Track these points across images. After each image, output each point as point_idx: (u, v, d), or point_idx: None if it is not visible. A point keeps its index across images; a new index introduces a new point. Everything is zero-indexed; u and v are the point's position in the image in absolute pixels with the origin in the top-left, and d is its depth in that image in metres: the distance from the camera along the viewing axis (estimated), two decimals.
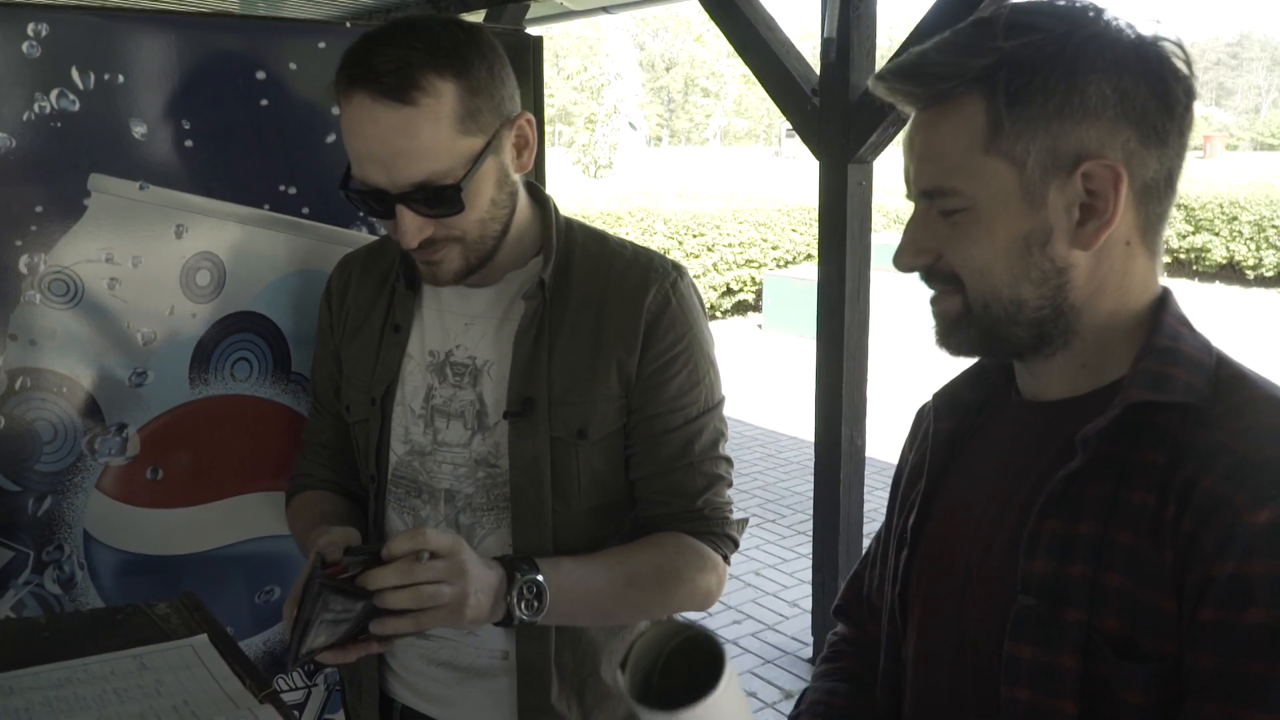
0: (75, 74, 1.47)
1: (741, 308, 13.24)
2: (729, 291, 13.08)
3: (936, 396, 1.05)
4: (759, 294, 12.84)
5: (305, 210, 1.65)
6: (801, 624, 4.46)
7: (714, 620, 4.54)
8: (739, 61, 4.07)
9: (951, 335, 0.91)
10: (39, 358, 1.51)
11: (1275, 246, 15.27)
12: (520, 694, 1.34)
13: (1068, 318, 0.87)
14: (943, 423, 1.03)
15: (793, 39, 3.98)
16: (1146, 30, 0.84)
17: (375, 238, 1.63)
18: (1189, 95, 0.84)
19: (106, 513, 1.59)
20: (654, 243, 12.41)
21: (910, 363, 8.48)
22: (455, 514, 1.32)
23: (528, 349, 1.28)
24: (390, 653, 1.40)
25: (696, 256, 12.75)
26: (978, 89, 0.83)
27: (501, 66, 1.20)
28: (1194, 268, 16.08)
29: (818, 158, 3.83)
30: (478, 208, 1.20)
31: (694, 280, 1.36)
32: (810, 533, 4.24)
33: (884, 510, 1.16)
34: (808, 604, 4.38)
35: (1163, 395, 0.82)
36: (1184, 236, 16.09)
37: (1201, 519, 0.76)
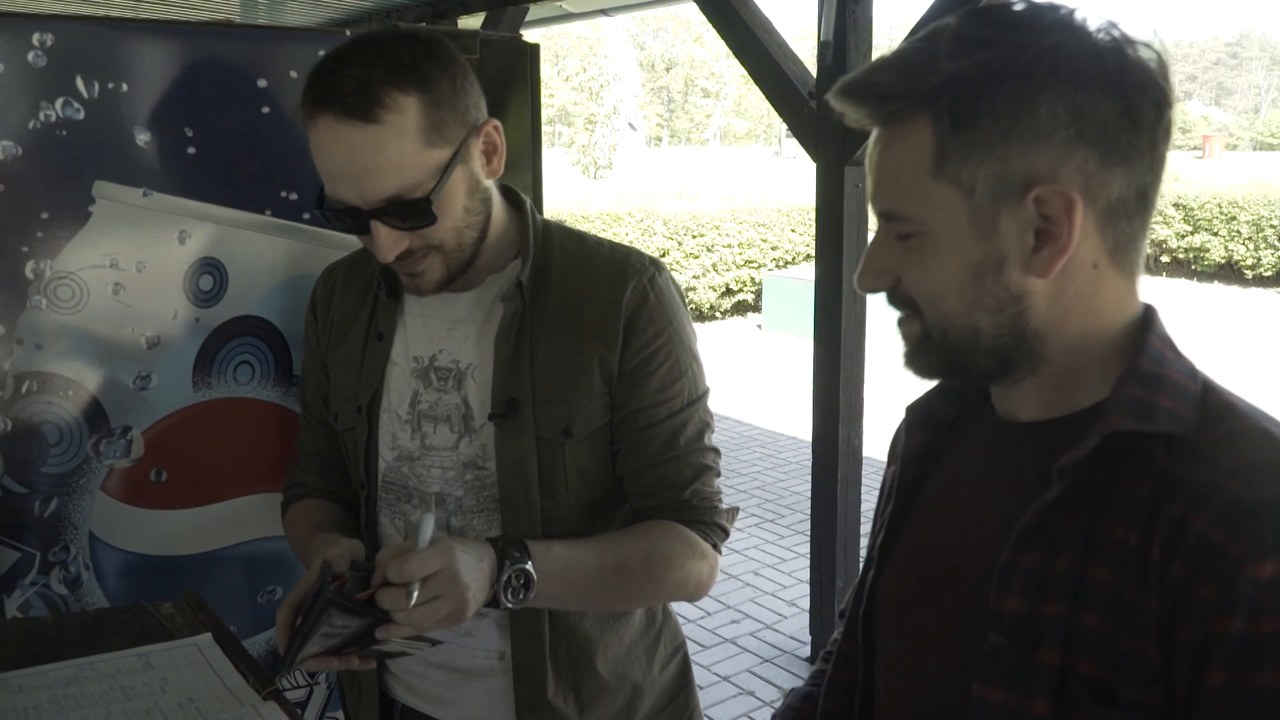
0: (80, 83, 1.49)
1: (741, 308, 13.26)
2: (728, 292, 13.10)
3: (909, 411, 1.02)
4: (758, 294, 12.87)
5: (306, 216, 1.67)
6: (800, 623, 4.49)
7: (713, 619, 4.57)
8: (739, 62, 4.10)
9: (915, 359, 0.88)
10: (45, 361, 1.53)
11: (1274, 246, 15.29)
12: (517, 692, 1.36)
13: (1031, 344, 0.83)
14: (915, 438, 0.99)
15: (791, 39, 4.01)
16: (1115, 35, 0.78)
17: None
18: (1160, 107, 0.78)
19: (111, 514, 1.61)
20: (653, 243, 12.44)
21: None
22: (446, 517, 1.34)
23: (509, 351, 1.30)
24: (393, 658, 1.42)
25: (696, 257, 12.78)
26: (925, 110, 0.79)
27: (463, 76, 1.21)
28: (1192, 268, 16.09)
29: (815, 160, 3.86)
30: (451, 217, 1.21)
31: (672, 275, 1.38)
32: (809, 533, 4.26)
33: None
34: (806, 603, 4.40)
35: (1147, 425, 0.77)
36: (1182, 236, 16.11)
37: (1195, 566, 0.71)
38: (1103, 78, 0.76)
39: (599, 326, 1.29)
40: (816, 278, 3.95)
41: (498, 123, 1.25)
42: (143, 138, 1.55)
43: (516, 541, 1.21)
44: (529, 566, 1.18)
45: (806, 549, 4.46)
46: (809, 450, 4.20)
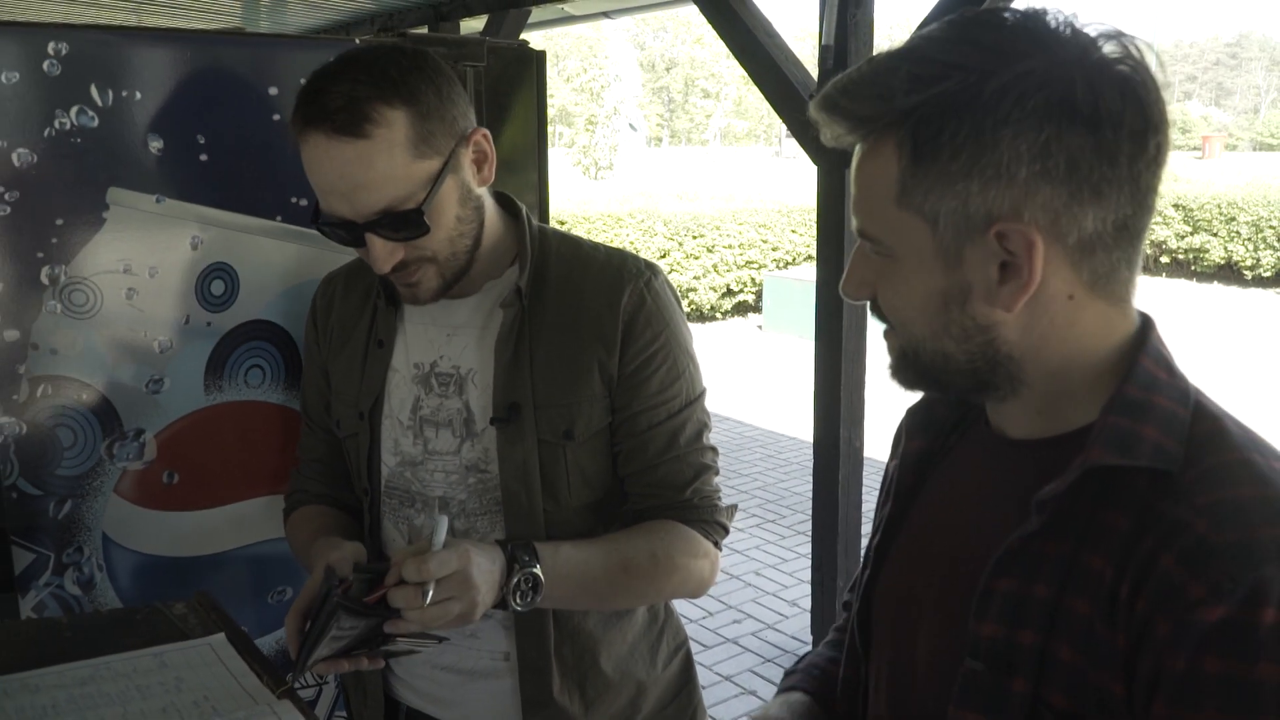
0: (94, 91, 1.52)
1: (742, 309, 13.27)
2: (729, 292, 13.11)
3: (909, 414, 1.01)
4: (759, 295, 12.88)
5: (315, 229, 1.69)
6: (801, 623, 4.50)
7: (714, 619, 4.59)
8: (740, 64, 4.11)
9: (898, 372, 0.87)
10: (59, 366, 1.56)
11: (1273, 247, 15.31)
12: (523, 691, 1.38)
13: (1007, 368, 0.81)
14: (913, 442, 0.99)
15: (791, 39, 4.02)
16: (1097, 57, 0.74)
17: None
18: (1140, 137, 0.74)
19: (124, 516, 1.63)
20: (654, 244, 12.45)
21: None
22: (450, 521, 1.36)
23: (509, 355, 1.32)
24: (397, 658, 1.44)
25: (696, 258, 12.79)
26: (891, 136, 0.77)
27: (450, 87, 1.23)
28: (1192, 268, 16.11)
29: (815, 162, 3.87)
30: (444, 226, 1.23)
31: (668, 278, 1.40)
32: (810, 533, 4.28)
33: None
34: (807, 603, 4.42)
35: (1127, 459, 0.75)
36: (1182, 237, 16.13)
37: (1156, 604, 0.71)
38: (1073, 111, 0.72)
39: (597, 330, 1.31)
40: (817, 279, 3.97)
41: (486, 131, 1.26)
42: (156, 145, 1.57)
43: (525, 544, 1.23)
44: (537, 570, 1.20)
45: (808, 549, 4.48)
46: (810, 451, 4.22)
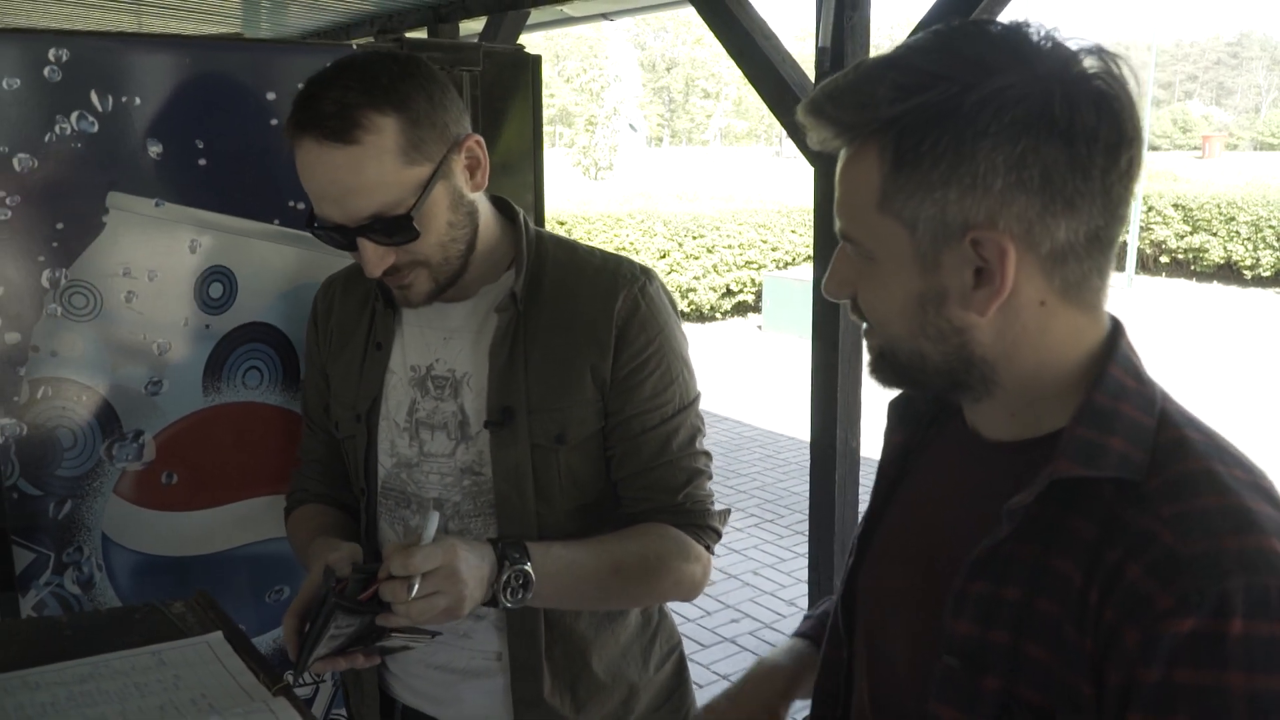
0: (94, 96, 1.54)
1: (741, 309, 13.29)
2: (729, 293, 13.13)
3: (891, 406, 1.03)
4: (759, 295, 12.89)
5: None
6: (798, 623, 4.52)
7: (712, 619, 4.61)
8: (737, 66, 4.13)
9: (877, 369, 0.90)
10: (60, 368, 1.58)
11: (1272, 246, 15.32)
12: (514, 691, 1.39)
13: (981, 370, 0.83)
14: (895, 435, 1.01)
15: (793, 39, 4.03)
16: (1075, 72, 0.76)
17: None
18: (1114, 151, 0.77)
19: (124, 516, 1.65)
20: (654, 244, 12.46)
21: None
22: (444, 522, 1.37)
23: (503, 360, 1.33)
24: (391, 655, 1.45)
25: (696, 258, 12.80)
26: (874, 142, 0.79)
27: (442, 93, 1.24)
28: (1192, 268, 16.13)
29: (813, 164, 3.88)
30: (435, 231, 1.24)
31: (662, 282, 1.40)
32: (808, 533, 4.29)
33: None
34: (804, 603, 4.43)
35: (1092, 470, 0.77)
36: (1182, 237, 16.16)
37: (1124, 613, 0.73)
38: (1050, 125, 0.74)
39: (591, 335, 1.32)
40: (815, 279, 3.99)
41: (479, 138, 1.27)
42: (155, 149, 1.59)
43: (516, 542, 1.24)
44: (528, 567, 1.21)
45: (805, 549, 4.49)
46: (808, 451, 4.24)
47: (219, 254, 1.66)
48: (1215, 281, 15.87)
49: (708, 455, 1.41)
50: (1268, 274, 15.38)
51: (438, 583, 1.13)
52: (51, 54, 1.50)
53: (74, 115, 1.53)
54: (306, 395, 1.56)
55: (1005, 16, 2.55)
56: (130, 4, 5.44)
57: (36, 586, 1.62)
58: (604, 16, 5.97)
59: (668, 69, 71.25)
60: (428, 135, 1.21)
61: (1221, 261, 15.79)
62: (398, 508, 1.41)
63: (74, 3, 5.45)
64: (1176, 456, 0.78)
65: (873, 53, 3.85)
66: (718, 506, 1.41)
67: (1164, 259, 16.46)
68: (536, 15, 5.42)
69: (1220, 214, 15.74)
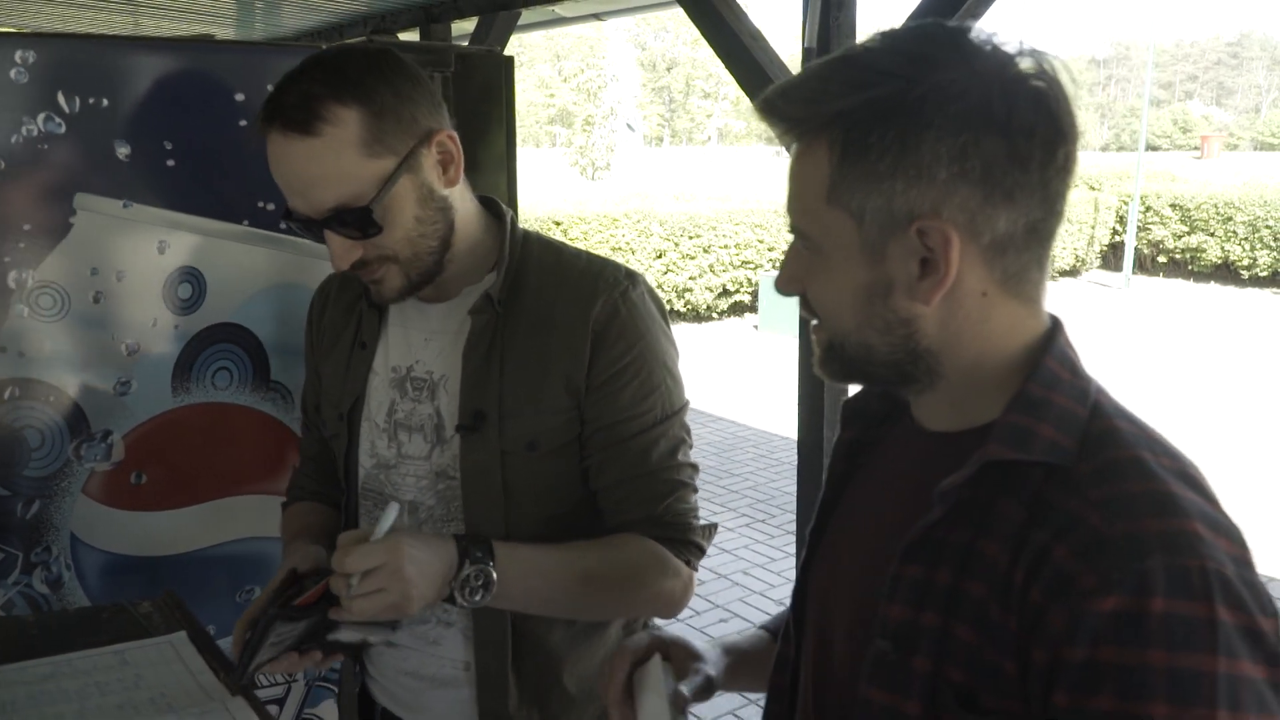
0: (61, 98, 1.54)
1: (738, 309, 13.29)
2: (725, 293, 13.13)
3: (844, 405, 1.05)
4: (755, 295, 12.90)
5: (283, 226, 1.71)
6: None
7: (701, 618, 4.61)
8: (725, 68, 4.13)
9: (825, 364, 0.92)
10: (27, 368, 1.58)
11: (1269, 246, 15.33)
12: (480, 702, 1.37)
13: (926, 361, 0.86)
14: (846, 431, 1.03)
15: (778, 39, 4.03)
16: (1013, 72, 0.79)
17: None
18: (1051, 146, 0.80)
19: (92, 516, 1.66)
20: (650, 244, 12.45)
21: None
22: (418, 525, 1.36)
23: (476, 363, 1.30)
24: (369, 658, 1.46)
25: (693, 258, 12.80)
26: (824, 137, 0.82)
27: (412, 86, 1.21)
28: (1189, 268, 16.14)
29: None
30: (400, 226, 1.22)
31: (650, 287, 1.36)
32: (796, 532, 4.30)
33: None
34: None
35: (1022, 454, 0.80)
36: (1179, 237, 16.16)
37: (1051, 594, 0.75)
38: (989, 119, 0.78)
39: (566, 341, 1.29)
40: None
41: (452, 133, 1.24)
42: (123, 150, 1.60)
43: (481, 541, 1.21)
44: (489, 567, 1.20)
45: (796, 549, 4.50)
46: None
47: (188, 255, 1.66)
48: (1212, 281, 15.87)
49: (693, 468, 1.36)
50: (1265, 274, 15.38)
51: (380, 580, 1.12)
52: (18, 56, 1.51)
53: (40, 117, 1.53)
54: (305, 393, 1.55)
55: (991, 16, 2.55)
56: (125, 5, 5.45)
57: (4, 586, 1.63)
58: (595, 17, 5.97)
59: (668, 69, 71.27)
60: (392, 128, 1.19)
61: (1219, 261, 15.79)
62: (375, 508, 1.40)
63: (68, 4, 5.47)
64: (1106, 444, 0.80)
65: None
66: (703, 521, 1.37)
67: (1161, 259, 16.47)
68: (527, 15, 5.42)
69: (1218, 214, 15.74)
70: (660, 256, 12.55)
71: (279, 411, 1.76)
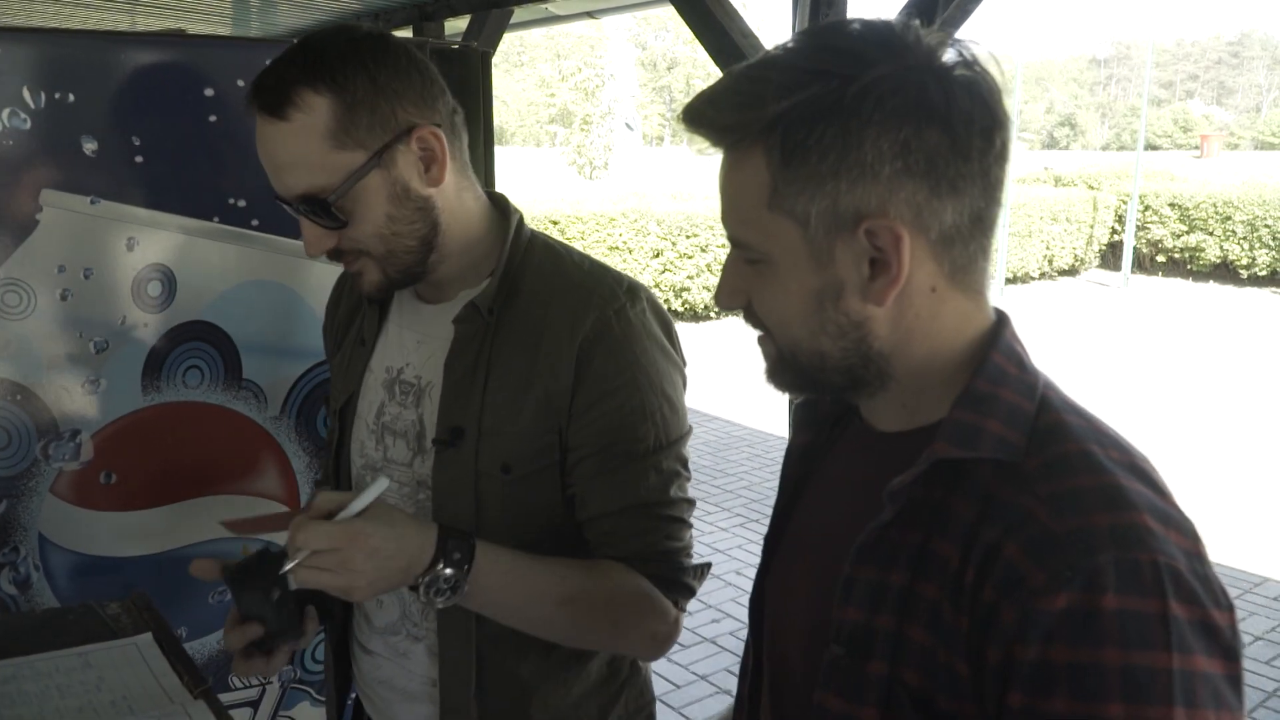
0: (26, 93, 1.53)
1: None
2: None
3: (795, 409, 1.04)
4: None
5: (255, 222, 1.70)
6: None
7: (693, 619, 4.59)
8: (716, 66, 4.12)
9: (774, 376, 0.89)
10: None
11: (1268, 246, 15.31)
12: None
13: (878, 364, 0.84)
14: (799, 437, 1.02)
15: (779, 36, 4.02)
16: (943, 61, 0.79)
17: None
18: (989, 134, 0.79)
19: (61, 516, 1.64)
20: (647, 243, 12.44)
21: None
22: (387, 490, 1.27)
23: (458, 375, 1.24)
24: (355, 665, 1.43)
25: (690, 257, 12.79)
26: (759, 143, 0.80)
27: (392, 78, 1.15)
28: (1188, 267, 16.12)
29: None
30: (369, 222, 1.16)
31: (655, 304, 1.26)
32: None
33: None
34: None
35: (969, 452, 0.79)
36: (1178, 236, 16.14)
37: (1002, 592, 0.73)
38: (928, 111, 0.76)
39: (551, 358, 1.20)
40: None
41: (437, 130, 1.17)
42: (90, 147, 1.58)
43: (465, 541, 1.12)
44: (464, 572, 1.11)
45: None
46: None
47: (157, 252, 1.65)
48: (1211, 281, 15.85)
49: (689, 503, 1.26)
50: (1263, 273, 15.36)
51: (328, 562, 1.05)
52: None
53: (5, 113, 1.52)
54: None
55: (991, 17, 2.54)
56: (125, 3, 5.43)
57: None
58: (589, 15, 5.96)
59: (668, 68, 71.27)
60: (364, 120, 1.13)
61: (1218, 261, 15.77)
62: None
63: (69, 2, 5.45)
64: (1054, 439, 0.79)
65: None
66: (696, 560, 1.27)
67: (1160, 258, 16.44)
68: (520, 13, 5.41)
69: (1217, 213, 15.72)
70: (657, 256, 12.54)
71: (251, 410, 1.74)
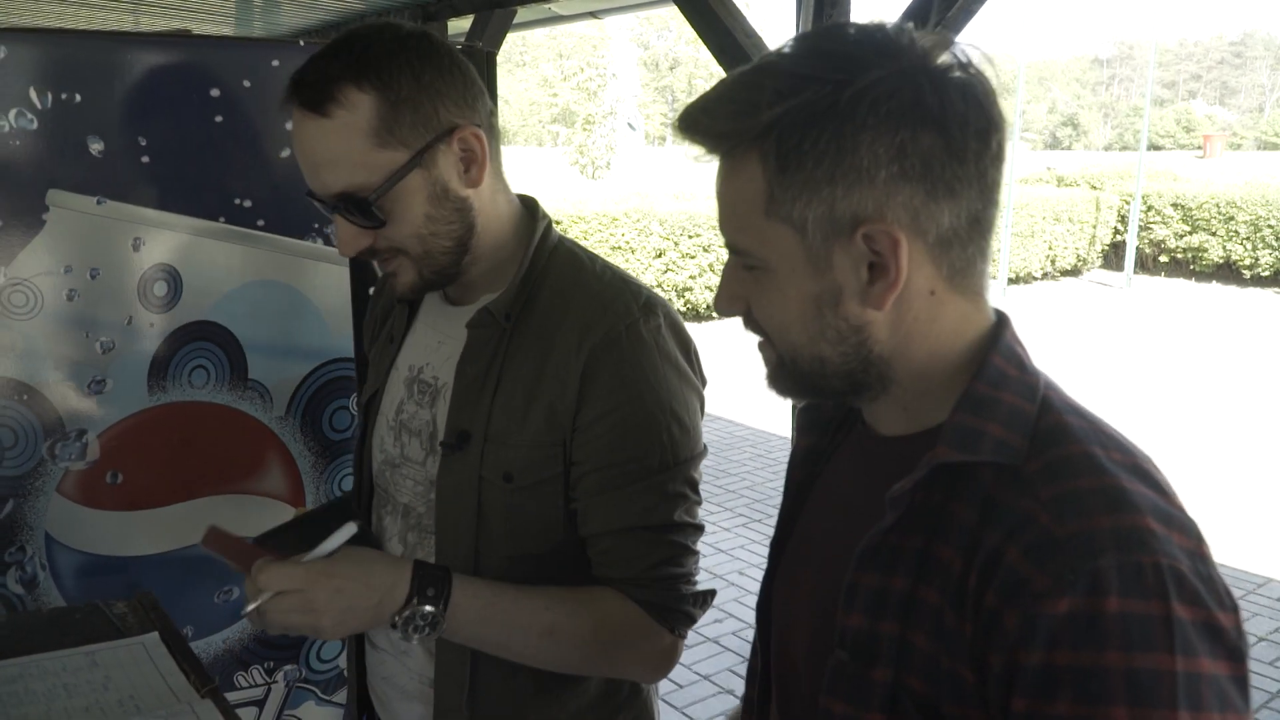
0: (33, 94, 1.53)
1: None
2: None
3: (799, 413, 1.03)
4: None
5: (260, 223, 1.70)
6: None
7: None
8: (719, 65, 4.12)
9: (775, 382, 0.89)
10: (0, 367, 1.57)
11: (1271, 246, 15.30)
12: None
13: (879, 368, 0.84)
14: (802, 439, 1.01)
15: (783, 36, 4.02)
16: (938, 64, 0.78)
17: (329, 249, 1.69)
18: (984, 136, 0.78)
19: (67, 515, 1.64)
20: (650, 243, 12.44)
21: None
22: (406, 530, 1.31)
23: (469, 380, 1.23)
24: (365, 656, 1.43)
25: (692, 257, 12.79)
26: (755, 150, 0.79)
27: (436, 76, 1.14)
28: (1191, 267, 16.11)
29: None
30: (409, 223, 1.15)
31: (674, 321, 1.23)
32: None
33: None
34: None
35: (969, 455, 0.78)
36: (1181, 236, 16.13)
37: (1004, 597, 0.73)
38: (923, 114, 0.76)
39: (559, 369, 1.18)
40: None
41: (479, 130, 1.15)
42: (96, 147, 1.58)
43: (439, 577, 1.13)
44: (439, 609, 1.11)
45: None
46: None
47: (163, 252, 1.65)
48: (1214, 281, 15.84)
49: (695, 529, 1.23)
50: (1266, 274, 15.36)
51: (289, 604, 1.07)
52: None
53: (12, 113, 1.52)
54: None
55: (991, 17, 2.54)
56: (129, 3, 5.44)
57: None
58: (592, 15, 5.96)
59: (671, 68, 71.26)
60: (408, 119, 1.12)
61: (1220, 261, 15.76)
62: (379, 505, 1.36)
63: (73, 1, 5.46)
64: (1056, 441, 0.78)
65: None
66: (700, 587, 1.24)
67: (1163, 258, 16.44)
68: (524, 13, 5.41)
69: (1219, 214, 15.71)
70: (660, 256, 12.54)
71: (257, 410, 1.75)
